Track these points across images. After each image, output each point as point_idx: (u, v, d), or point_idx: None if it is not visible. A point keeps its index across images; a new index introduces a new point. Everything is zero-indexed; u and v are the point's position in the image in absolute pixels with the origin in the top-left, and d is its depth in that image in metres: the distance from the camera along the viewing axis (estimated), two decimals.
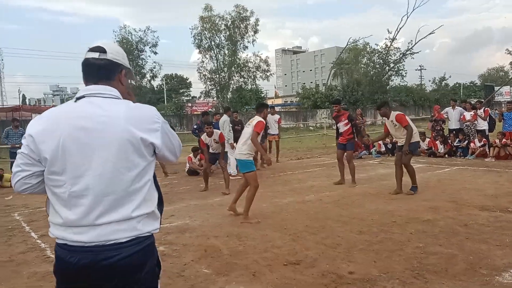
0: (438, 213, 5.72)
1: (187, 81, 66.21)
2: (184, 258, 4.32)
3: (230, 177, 9.34)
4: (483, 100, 17.75)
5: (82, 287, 1.57)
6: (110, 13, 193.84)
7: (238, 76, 42.01)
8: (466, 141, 12.36)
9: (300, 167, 11.53)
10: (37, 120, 1.60)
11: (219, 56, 40.85)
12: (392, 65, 44.85)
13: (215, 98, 43.01)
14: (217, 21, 39.60)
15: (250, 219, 5.68)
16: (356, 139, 13.19)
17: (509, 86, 50.41)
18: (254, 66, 42.27)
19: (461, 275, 3.59)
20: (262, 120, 5.98)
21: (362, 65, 48.18)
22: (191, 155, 11.06)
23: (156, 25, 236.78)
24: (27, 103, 65.38)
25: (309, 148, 17.86)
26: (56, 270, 1.60)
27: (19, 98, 68.84)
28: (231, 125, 10.69)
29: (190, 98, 58.87)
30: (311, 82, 74.75)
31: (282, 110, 42.28)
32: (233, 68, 40.81)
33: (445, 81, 61.20)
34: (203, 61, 41.06)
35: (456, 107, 13.00)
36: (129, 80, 1.79)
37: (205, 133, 8.64)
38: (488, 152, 11.75)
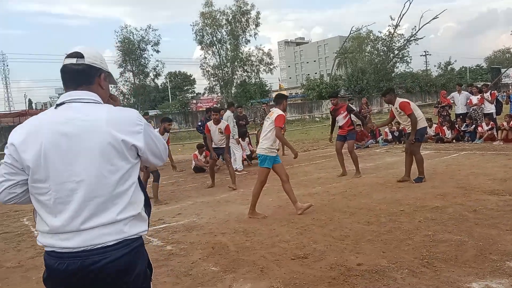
0: (446, 200, 5.66)
1: (191, 78, 66.18)
2: (191, 256, 4.32)
3: (236, 173, 9.33)
4: (489, 83, 17.53)
5: None
6: (110, 13, 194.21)
7: (241, 71, 41.97)
8: (474, 125, 12.21)
9: (306, 159, 11.47)
10: (19, 129, 1.61)
11: (222, 51, 40.83)
12: (396, 52, 44.46)
13: (219, 94, 42.99)
14: (218, 16, 39.53)
15: (257, 215, 5.66)
16: (362, 129, 13.22)
17: None
18: (257, 60, 42.19)
19: (471, 262, 3.54)
20: (282, 113, 5.75)
21: (366, 54, 47.88)
22: (197, 152, 11.06)
23: (158, 24, 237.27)
24: (34, 107, 65.92)
25: (316, 139, 17.78)
26: (46, 278, 1.61)
27: (25, 103, 69.41)
28: (235, 120, 10.67)
29: (195, 95, 58.96)
30: (316, 73, 74.46)
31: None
32: (236, 63, 40.76)
33: (450, 66, 60.61)
34: (205, 57, 41.11)
35: (462, 91, 12.85)
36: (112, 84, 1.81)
37: (212, 120, 8.40)
38: (496, 136, 11.61)
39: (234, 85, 41.96)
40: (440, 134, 12.72)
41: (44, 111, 1.70)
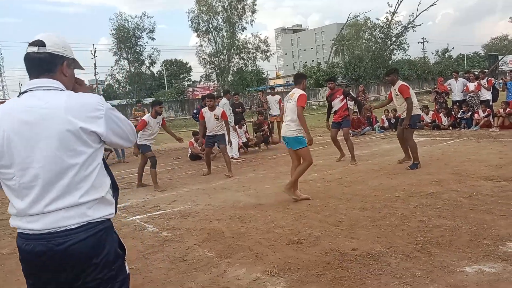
0: (441, 186, 5.68)
1: (187, 66, 65.75)
2: (187, 242, 4.32)
3: (232, 160, 9.32)
4: (486, 70, 17.49)
5: (46, 277, 1.63)
6: (106, 1, 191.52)
7: (237, 58, 41.71)
8: (470, 112, 12.23)
9: None
10: None
11: (218, 38, 40.51)
12: (394, 39, 44.17)
13: (215, 82, 42.77)
14: (213, 3, 39.10)
15: (298, 195, 5.60)
16: (359, 115, 13.20)
17: None
18: (254, 47, 41.90)
19: (465, 246, 3.56)
20: (303, 92, 5.65)
21: (363, 41, 47.54)
22: (192, 139, 11.03)
23: (153, 11, 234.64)
24: None
25: (312, 127, 17.68)
26: (21, 259, 1.67)
27: (20, 91, 68.87)
28: (231, 108, 10.62)
29: (191, 82, 58.60)
30: (313, 61, 74.10)
31: (284, 90, 42.00)
32: (232, 50, 40.45)
33: (448, 53, 60.39)
34: (201, 45, 40.79)
35: (459, 78, 12.83)
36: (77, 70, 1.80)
37: (206, 107, 8.21)
38: (492, 122, 11.63)
39: (231, 72, 41.74)
40: (437, 121, 12.72)
41: (9, 100, 1.74)
